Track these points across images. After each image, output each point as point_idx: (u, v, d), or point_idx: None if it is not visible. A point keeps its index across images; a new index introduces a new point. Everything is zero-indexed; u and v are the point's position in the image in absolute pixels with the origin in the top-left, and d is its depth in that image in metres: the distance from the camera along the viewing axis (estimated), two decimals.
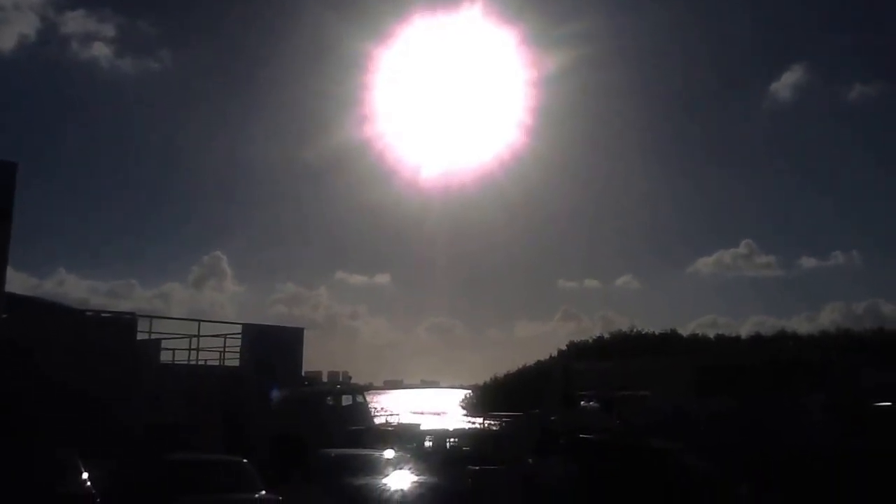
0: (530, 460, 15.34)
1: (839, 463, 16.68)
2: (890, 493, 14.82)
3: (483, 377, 58.74)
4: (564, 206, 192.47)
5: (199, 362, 21.47)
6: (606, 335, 53.17)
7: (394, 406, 44.14)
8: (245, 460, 12.77)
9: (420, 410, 45.37)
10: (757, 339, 46.30)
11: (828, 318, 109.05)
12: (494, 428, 24.39)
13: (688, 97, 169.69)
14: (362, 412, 26.60)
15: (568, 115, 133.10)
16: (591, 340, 53.58)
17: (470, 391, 61.43)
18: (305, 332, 23.12)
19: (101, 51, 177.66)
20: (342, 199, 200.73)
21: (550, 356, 47.00)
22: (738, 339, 48.47)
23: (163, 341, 21.25)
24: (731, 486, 10.94)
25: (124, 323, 19.33)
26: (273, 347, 19.97)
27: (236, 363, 21.09)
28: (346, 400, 27.39)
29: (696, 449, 15.75)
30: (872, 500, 15.34)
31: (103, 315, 20.36)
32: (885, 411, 19.42)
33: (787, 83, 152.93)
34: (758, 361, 21.34)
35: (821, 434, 17.96)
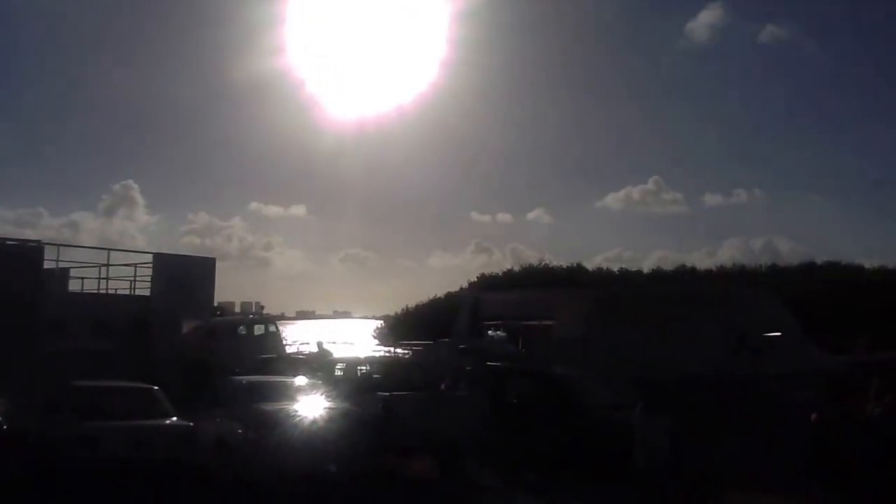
0: (441, 387, 15.86)
1: (727, 388, 17.87)
2: (771, 414, 16.05)
3: (396, 308, 59.41)
4: (479, 140, 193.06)
5: (110, 291, 21.20)
6: (516, 268, 54.31)
7: (306, 335, 44.26)
8: (155, 387, 12.86)
9: (332, 340, 45.69)
10: (658, 273, 48.21)
11: (727, 253, 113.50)
12: (405, 356, 24.95)
13: (603, 34, 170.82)
14: (274, 341, 26.79)
15: (483, 50, 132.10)
16: (501, 273, 54.63)
17: (382, 321, 61.96)
18: (218, 262, 23.08)
19: None
20: (258, 130, 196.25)
21: (461, 287, 47.72)
22: (640, 272, 50.36)
23: (71, 270, 20.87)
24: (629, 409, 11.63)
25: (29, 250, 18.86)
26: (184, 277, 19.83)
27: (147, 293, 20.90)
28: (259, 329, 27.52)
29: (596, 376, 16.61)
30: (756, 422, 16.58)
31: (8, 242, 19.81)
32: (773, 341, 20.75)
33: (703, 22, 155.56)
34: (656, 293, 22.30)
35: (713, 361, 19.12)
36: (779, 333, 20.49)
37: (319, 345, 27.86)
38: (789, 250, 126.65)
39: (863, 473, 6.92)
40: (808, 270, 42.36)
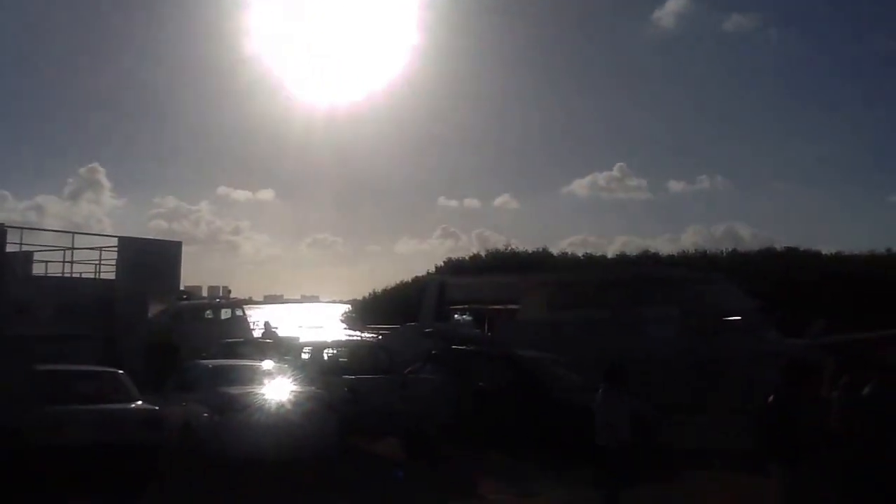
0: (408, 370, 16.00)
1: (688, 369, 18.28)
2: (730, 395, 16.46)
3: (363, 292, 59.27)
4: (446, 127, 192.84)
5: (74, 275, 21.02)
6: (482, 253, 54.44)
7: (273, 320, 44.08)
8: (120, 371, 12.81)
9: (300, 324, 45.58)
10: (622, 258, 48.75)
11: (689, 239, 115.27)
12: (372, 340, 25.04)
13: (571, 22, 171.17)
14: (241, 325, 26.79)
15: (451, 37, 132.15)
16: (467, 258, 54.77)
17: (350, 306, 61.84)
18: (185, 246, 22.91)
19: None
20: (226, 114, 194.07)
21: (428, 272, 47.79)
22: (604, 257, 50.91)
23: (35, 254, 20.63)
24: (592, 390, 11.82)
25: None
26: (149, 261, 19.68)
27: (112, 277, 20.73)
28: (226, 314, 27.48)
29: (560, 358, 16.87)
30: (716, 402, 17.00)
31: None
32: (733, 324, 21.18)
33: (669, 11, 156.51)
34: (619, 278, 22.61)
35: (674, 343, 19.50)
36: (738, 317, 20.92)
37: (266, 325, 27.91)
38: (750, 236, 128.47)
39: (818, 452, 7.17)
40: (768, 256, 43.08)
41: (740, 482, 12.14)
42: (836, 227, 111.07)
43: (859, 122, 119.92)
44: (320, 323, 52.06)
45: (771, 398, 7.52)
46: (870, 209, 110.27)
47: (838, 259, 42.20)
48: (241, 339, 20.95)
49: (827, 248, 44.51)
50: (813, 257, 42.57)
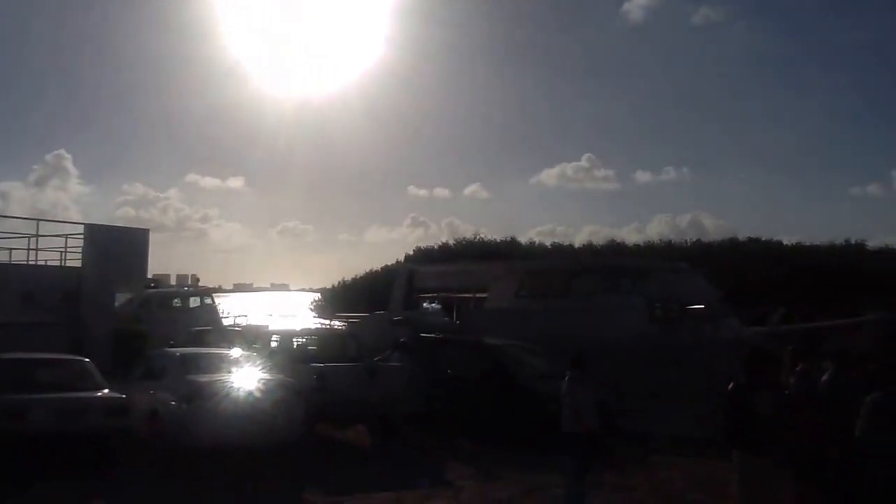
0: (376, 358, 16.06)
1: (652, 357, 18.56)
2: (693, 383, 16.76)
3: (333, 281, 59.09)
4: (417, 117, 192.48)
5: (39, 263, 20.79)
6: (451, 242, 54.53)
7: (243, 308, 43.90)
8: (86, 359, 12.74)
9: (269, 313, 45.43)
10: (589, 248, 49.14)
11: (655, 229, 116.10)
12: (341, 328, 25.06)
13: (541, 13, 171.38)
14: (210, 314, 26.69)
15: (425, 28, 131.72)
16: (436, 247, 54.84)
17: (319, 294, 61.63)
18: (154, 234, 22.78)
19: None
20: (196, 102, 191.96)
21: (397, 261, 47.78)
22: (571, 247, 51.28)
23: None
24: (558, 378, 11.98)
25: None
26: (116, 249, 19.50)
27: (79, 264, 20.53)
28: (194, 302, 27.36)
29: (527, 346, 17.03)
30: (679, 389, 17.29)
31: None
32: (696, 312, 21.54)
33: (638, 3, 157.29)
34: (586, 266, 22.87)
35: (638, 331, 19.78)
36: (701, 305, 21.29)
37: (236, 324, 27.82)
38: (714, 226, 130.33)
39: (776, 437, 7.36)
40: (731, 246, 43.65)
41: (703, 468, 12.41)
42: (799, 218, 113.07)
43: (822, 116, 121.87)
44: (290, 312, 51.92)
45: (731, 386, 7.71)
46: (832, 201, 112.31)
47: (799, 250, 42.91)
48: (210, 328, 20.87)
49: (788, 239, 45.26)
50: (774, 248, 43.22)
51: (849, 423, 7.78)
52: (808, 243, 43.82)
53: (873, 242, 43.01)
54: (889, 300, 23.09)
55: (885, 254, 40.88)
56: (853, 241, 42.21)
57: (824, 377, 9.35)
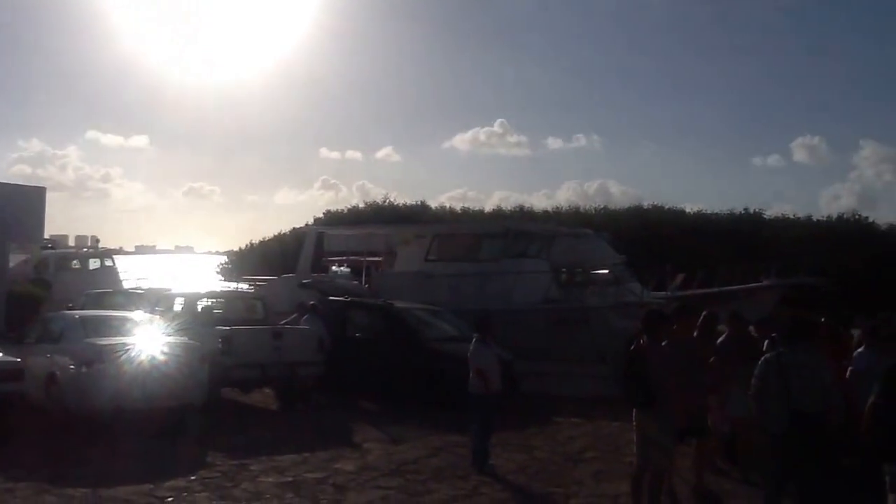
0: (283, 321, 15.95)
1: (556, 319, 19.10)
2: (596, 344, 17.35)
3: (240, 244, 57.95)
4: (330, 78, 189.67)
5: None
6: (362, 205, 54.20)
7: (145, 271, 42.74)
8: None
9: (174, 275, 44.37)
10: (498, 213, 49.67)
11: (564, 195, 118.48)
12: (248, 291, 24.69)
13: None
14: (110, 276, 25.98)
15: None
16: (346, 210, 54.41)
17: (226, 257, 60.39)
18: (51, 193, 21.91)
19: None
20: (99, 54, 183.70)
21: (307, 223, 47.24)
22: (481, 211, 51.74)
23: None
24: (465, 340, 12.19)
25: None
26: (9, 207, 18.60)
27: None
28: (94, 263, 26.56)
29: (434, 309, 17.24)
30: (582, 351, 17.88)
31: None
32: (600, 276, 22.22)
33: None
34: (493, 231, 23.17)
35: (543, 294, 20.29)
36: (605, 270, 21.96)
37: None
38: (620, 193, 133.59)
39: (668, 397, 7.71)
40: (636, 213, 44.85)
41: (604, 428, 12.88)
42: (702, 187, 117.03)
43: (728, 89, 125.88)
44: (195, 274, 50.83)
45: (632, 347, 8.03)
46: (734, 170, 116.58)
47: (701, 217, 44.41)
48: (110, 290, 20.28)
49: (691, 207, 46.67)
50: (677, 215, 44.59)
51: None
52: (709, 211, 45.36)
53: (772, 211, 44.80)
54: (784, 267, 24.24)
55: (781, 222, 42.65)
56: (752, 210, 43.87)
57: (720, 339, 9.94)
